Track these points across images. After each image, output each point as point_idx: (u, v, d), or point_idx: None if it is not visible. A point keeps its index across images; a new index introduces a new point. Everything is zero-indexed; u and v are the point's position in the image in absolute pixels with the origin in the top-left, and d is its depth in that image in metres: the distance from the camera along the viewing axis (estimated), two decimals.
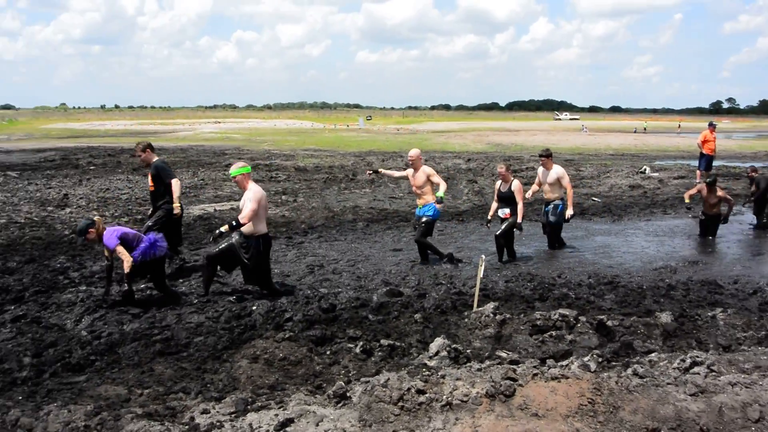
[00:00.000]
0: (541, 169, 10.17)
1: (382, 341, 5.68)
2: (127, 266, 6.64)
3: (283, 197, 15.98)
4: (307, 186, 18.29)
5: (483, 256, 6.79)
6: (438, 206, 9.12)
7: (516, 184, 9.18)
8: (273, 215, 13.29)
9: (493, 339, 5.76)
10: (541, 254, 10.02)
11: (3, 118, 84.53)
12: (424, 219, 9.02)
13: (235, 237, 7.19)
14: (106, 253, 6.99)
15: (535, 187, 10.38)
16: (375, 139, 43.72)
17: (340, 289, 7.63)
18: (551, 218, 10.00)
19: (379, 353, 5.49)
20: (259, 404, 4.31)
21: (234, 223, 6.99)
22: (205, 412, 4.21)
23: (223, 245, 7.22)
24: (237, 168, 7.25)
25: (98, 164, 23.55)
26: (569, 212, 9.84)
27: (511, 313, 6.26)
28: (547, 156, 10.01)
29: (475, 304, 6.48)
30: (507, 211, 9.25)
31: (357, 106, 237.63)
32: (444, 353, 5.14)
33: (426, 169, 9.00)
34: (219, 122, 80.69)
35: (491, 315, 5.99)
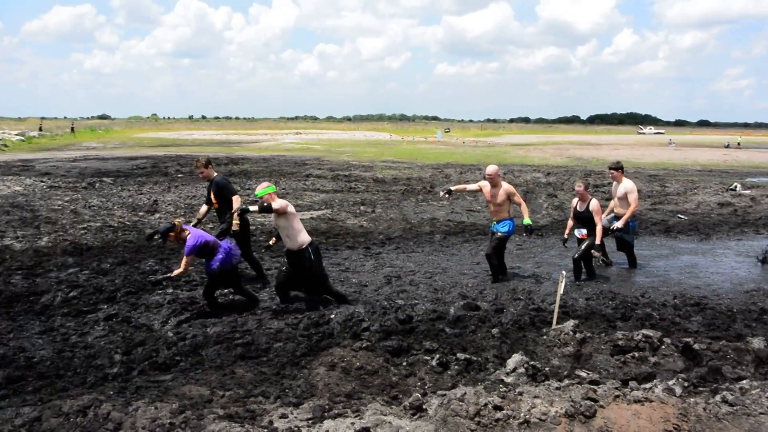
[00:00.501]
0: (614, 183, 9.92)
1: (459, 355, 5.65)
2: (176, 273, 7.00)
3: (362, 208, 16.16)
4: (385, 197, 18.43)
5: (563, 273, 6.64)
6: (526, 236, 9.13)
7: (594, 204, 8.87)
8: (351, 225, 13.48)
9: (572, 358, 5.63)
10: (623, 272, 9.72)
11: (99, 128, 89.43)
12: (498, 234, 8.91)
13: (285, 264, 7.44)
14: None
15: (611, 203, 10.11)
16: (453, 151, 43.59)
17: (416, 301, 7.65)
18: (626, 238, 9.70)
19: (456, 367, 5.46)
20: (336, 412, 4.38)
21: (265, 204, 7.05)
22: (283, 416, 4.32)
23: (280, 277, 7.46)
24: (263, 188, 7.27)
25: (185, 172, 24.52)
26: (617, 224, 9.44)
27: (591, 331, 6.11)
28: (617, 169, 9.75)
29: (555, 321, 6.35)
30: (584, 231, 8.99)
31: (435, 118, 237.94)
32: (521, 370, 5.06)
33: (507, 188, 8.84)
34: (300, 133, 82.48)
35: (571, 333, 5.85)
